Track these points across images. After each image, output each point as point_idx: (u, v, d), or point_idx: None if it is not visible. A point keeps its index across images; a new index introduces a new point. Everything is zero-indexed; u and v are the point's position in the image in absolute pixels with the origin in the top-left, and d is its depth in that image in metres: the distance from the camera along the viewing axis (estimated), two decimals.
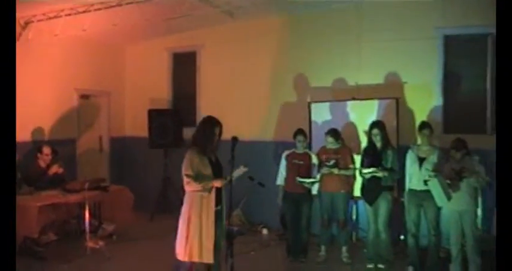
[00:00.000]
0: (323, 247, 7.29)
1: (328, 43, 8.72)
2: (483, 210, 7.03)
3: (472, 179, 6.05)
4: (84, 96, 10.04)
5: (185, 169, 4.98)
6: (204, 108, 10.03)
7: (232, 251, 4.68)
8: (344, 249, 7.22)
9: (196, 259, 4.95)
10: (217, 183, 4.95)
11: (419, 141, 6.72)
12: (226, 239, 4.78)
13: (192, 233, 4.94)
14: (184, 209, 5.06)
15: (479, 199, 6.56)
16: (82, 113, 9.97)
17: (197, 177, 4.93)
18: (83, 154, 10.00)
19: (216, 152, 5.14)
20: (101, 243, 7.28)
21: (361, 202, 7.53)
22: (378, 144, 6.77)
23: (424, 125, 6.64)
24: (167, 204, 9.99)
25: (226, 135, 5.24)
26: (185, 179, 4.96)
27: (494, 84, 7.47)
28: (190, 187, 4.97)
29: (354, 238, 8.09)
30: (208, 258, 4.94)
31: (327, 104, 8.31)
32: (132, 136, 11.10)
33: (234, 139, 5.01)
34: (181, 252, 5.02)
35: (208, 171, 5.01)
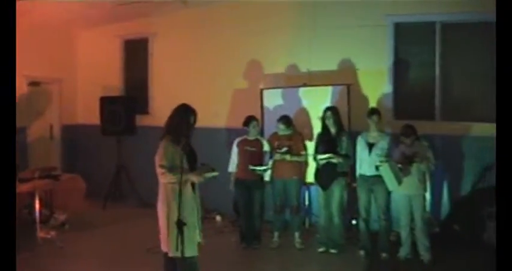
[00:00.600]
0: (276, 233, 7.33)
1: (280, 29, 8.69)
2: (431, 194, 7.20)
3: (423, 164, 6.19)
4: (34, 83, 9.82)
5: (159, 160, 4.68)
6: (157, 96, 10.04)
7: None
8: (297, 234, 7.27)
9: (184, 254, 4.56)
10: (194, 178, 4.67)
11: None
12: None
13: (172, 227, 4.59)
14: (161, 203, 4.77)
15: (428, 184, 6.69)
16: (33, 100, 9.78)
17: (172, 168, 4.64)
18: (34, 142, 9.84)
19: (189, 141, 4.87)
20: (52, 232, 7.17)
21: (313, 188, 7.62)
22: (332, 130, 6.84)
23: (372, 111, 6.70)
24: (120, 192, 9.94)
25: None
26: (159, 170, 4.66)
27: (442, 71, 7.64)
28: (164, 178, 4.67)
29: (306, 223, 8.15)
30: (194, 251, 4.69)
31: (279, 90, 8.33)
32: (84, 124, 10.94)
33: None
34: (166, 248, 4.71)
35: (182, 161, 4.69)
